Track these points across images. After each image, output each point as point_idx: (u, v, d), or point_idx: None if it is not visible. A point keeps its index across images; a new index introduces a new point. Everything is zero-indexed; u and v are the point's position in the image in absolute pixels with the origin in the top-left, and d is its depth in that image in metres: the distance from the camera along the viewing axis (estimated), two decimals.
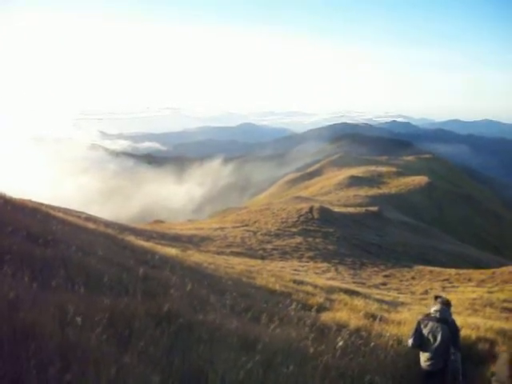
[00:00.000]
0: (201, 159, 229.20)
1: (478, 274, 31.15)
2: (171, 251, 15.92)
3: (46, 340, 4.26)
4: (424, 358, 6.77)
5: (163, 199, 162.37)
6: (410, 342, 6.97)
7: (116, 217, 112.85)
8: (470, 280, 29.46)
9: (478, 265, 41.10)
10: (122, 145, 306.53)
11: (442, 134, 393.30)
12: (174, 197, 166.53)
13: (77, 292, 5.69)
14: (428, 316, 6.96)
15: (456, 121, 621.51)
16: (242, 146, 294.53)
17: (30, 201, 16.16)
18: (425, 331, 6.79)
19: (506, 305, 18.92)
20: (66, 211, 21.74)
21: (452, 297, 15.44)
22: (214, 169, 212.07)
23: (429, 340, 6.74)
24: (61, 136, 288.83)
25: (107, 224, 20.57)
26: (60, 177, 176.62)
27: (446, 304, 7.18)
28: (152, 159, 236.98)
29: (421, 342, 6.81)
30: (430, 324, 6.78)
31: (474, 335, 9.51)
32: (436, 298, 7.36)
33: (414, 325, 7.10)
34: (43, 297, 5.16)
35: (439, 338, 6.64)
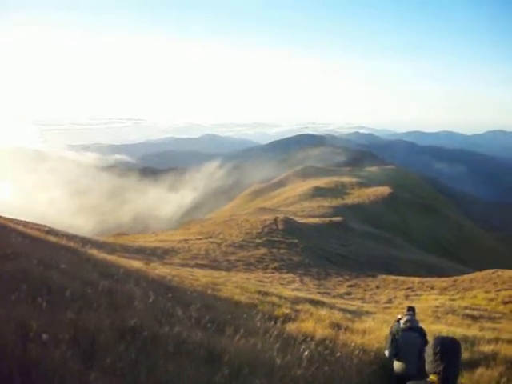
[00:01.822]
0: (175, 169, 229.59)
1: (440, 282, 31.69)
2: (135, 264, 15.73)
3: (7, 357, 4.15)
4: (400, 364, 7.01)
5: (148, 209, 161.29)
6: (387, 352, 7.29)
7: (101, 229, 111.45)
8: (432, 288, 29.94)
9: (440, 273, 41.80)
10: (90, 157, 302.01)
11: (403, 145, 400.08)
12: (157, 206, 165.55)
13: (38, 307, 5.56)
14: (400, 327, 7.22)
15: (417, 132, 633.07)
16: (205, 157, 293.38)
17: None
18: (400, 341, 7.03)
19: (467, 312, 19.27)
20: (25, 224, 21.30)
21: (415, 305, 15.64)
22: (195, 177, 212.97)
23: (404, 349, 6.95)
24: (25, 146, 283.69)
25: (69, 237, 20.18)
26: (33, 190, 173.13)
27: (413, 312, 7.46)
28: (143, 172, 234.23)
29: (397, 351, 7.07)
30: (404, 334, 7.05)
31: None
32: (409, 309, 7.61)
33: (389, 336, 7.33)
34: (3, 312, 5.03)
35: (414, 346, 6.95)
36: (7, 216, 21.77)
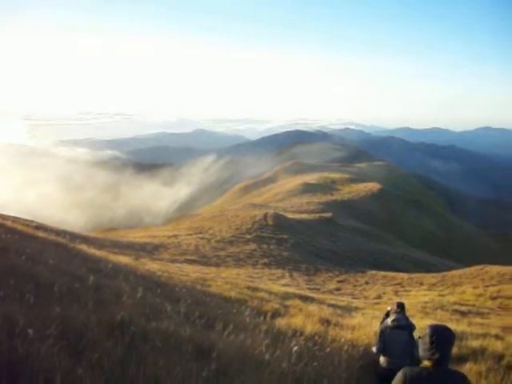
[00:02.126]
0: (168, 165, 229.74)
1: (429, 278, 31.87)
2: (124, 260, 15.69)
3: None
4: (385, 359, 7.19)
5: (142, 204, 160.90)
6: (375, 349, 7.37)
7: (94, 224, 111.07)
8: (421, 284, 30.12)
9: (429, 269, 42.06)
10: (80, 152, 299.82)
11: (393, 141, 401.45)
12: (151, 201, 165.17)
13: (26, 302, 5.52)
14: (388, 325, 7.30)
15: (406, 129, 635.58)
16: (196, 153, 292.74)
17: None
18: (387, 338, 7.12)
19: (456, 307, 19.42)
20: (14, 219, 21.16)
21: (404, 300, 15.69)
22: (189, 172, 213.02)
23: (390, 345, 7.13)
24: (15, 142, 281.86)
25: (58, 232, 20.08)
26: (23, 186, 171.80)
27: (399, 309, 7.51)
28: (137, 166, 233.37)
29: (384, 347, 7.20)
30: (391, 332, 7.13)
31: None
32: (398, 305, 7.68)
33: (378, 334, 7.41)
34: None
35: (400, 343, 7.09)
36: None
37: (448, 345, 4.08)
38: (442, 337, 4.07)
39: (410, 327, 7.36)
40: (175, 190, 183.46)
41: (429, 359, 4.04)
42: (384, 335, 7.30)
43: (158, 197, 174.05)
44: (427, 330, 4.15)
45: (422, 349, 4.12)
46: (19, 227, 14.85)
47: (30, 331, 4.51)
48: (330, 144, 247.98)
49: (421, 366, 4.14)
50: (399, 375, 4.12)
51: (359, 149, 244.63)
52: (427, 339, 4.07)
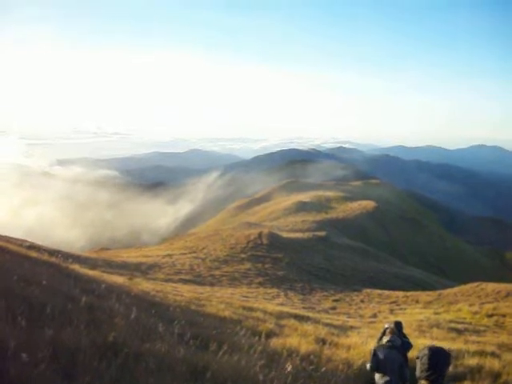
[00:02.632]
0: (165, 184, 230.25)
1: (424, 296, 31.80)
2: (118, 279, 15.58)
3: None
4: (380, 376, 7.18)
5: (141, 223, 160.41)
6: (369, 365, 7.38)
7: (93, 244, 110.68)
8: (417, 302, 30.03)
9: (424, 287, 41.98)
10: (76, 172, 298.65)
11: (387, 159, 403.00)
12: (151, 220, 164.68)
13: (18, 324, 5.45)
14: (382, 345, 7.34)
15: (401, 147, 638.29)
16: (191, 172, 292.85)
17: None
18: (381, 357, 7.14)
19: (452, 325, 19.32)
20: (7, 239, 21.03)
21: (400, 319, 15.63)
22: (190, 190, 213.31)
23: (384, 364, 7.07)
24: (12, 162, 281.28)
25: (51, 252, 19.96)
26: (21, 206, 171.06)
27: (397, 328, 7.51)
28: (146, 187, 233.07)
29: (378, 365, 7.19)
30: (385, 351, 7.14)
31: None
32: (396, 324, 7.71)
33: (372, 352, 7.43)
34: None
35: (394, 362, 7.08)
36: None
37: (445, 367, 4.27)
38: (439, 359, 4.23)
39: (406, 346, 7.36)
40: (176, 209, 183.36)
41: (426, 379, 4.21)
42: (377, 354, 7.30)
43: (158, 215, 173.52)
44: (425, 352, 4.30)
45: (420, 369, 4.27)
46: (11, 247, 14.75)
47: (22, 355, 4.46)
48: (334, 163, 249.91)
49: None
50: None
51: (357, 168, 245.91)
52: (425, 360, 4.22)
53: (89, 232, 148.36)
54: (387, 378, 7.04)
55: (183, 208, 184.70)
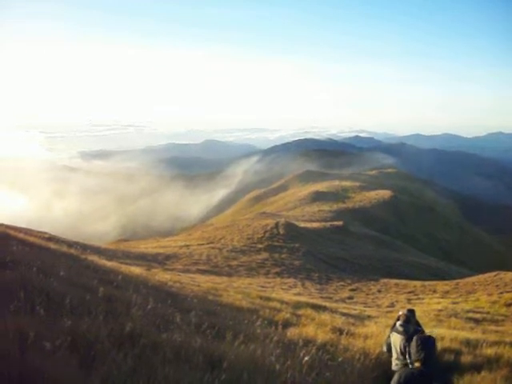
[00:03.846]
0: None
1: (442, 286, 31.61)
2: (135, 270, 15.71)
3: (6, 367, 4.12)
4: (392, 361, 7.33)
5: (171, 213, 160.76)
6: (384, 348, 7.80)
7: (125, 235, 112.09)
8: (434, 291, 29.84)
9: (442, 276, 41.72)
10: (97, 164, 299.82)
11: (404, 148, 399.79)
12: (180, 210, 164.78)
13: (37, 315, 5.54)
14: (395, 329, 7.44)
15: (417, 135, 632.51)
16: (208, 163, 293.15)
17: None
18: (391, 341, 7.26)
19: (470, 315, 19.19)
20: (27, 231, 21.27)
21: (418, 309, 15.55)
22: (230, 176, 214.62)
23: (394, 348, 7.18)
24: (35, 156, 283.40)
25: (70, 244, 20.17)
26: (50, 200, 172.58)
27: (409, 316, 7.57)
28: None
29: (389, 348, 7.53)
30: (394, 336, 7.23)
31: (439, 346, 9.60)
32: (408, 311, 7.79)
33: (387, 335, 7.66)
34: (1, 322, 5.00)
35: (399, 347, 7.20)
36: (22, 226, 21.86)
37: (430, 347, 5.49)
38: (424, 342, 5.51)
39: (412, 334, 7.44)
40: (210, 196, 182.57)
41: (417, 360, 5.44)
42: (390, 338, 7.50)
43: (191, 204, 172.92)
44: (415, 340, 5.61)
45: (413, 353, 5.53)
46: (31, 239, 14.93)
47: (43, 344, 4.53)
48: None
49: (413, 367, 5.55)
50: (395, 377, 5.45)
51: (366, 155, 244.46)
52: (414, 345, 5.53)
53: (123, 223, 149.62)
54: (396, 363, 7.19)
55: (217, 196, 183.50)
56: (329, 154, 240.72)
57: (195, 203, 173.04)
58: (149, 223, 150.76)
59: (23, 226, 22.93)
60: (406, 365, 7.03)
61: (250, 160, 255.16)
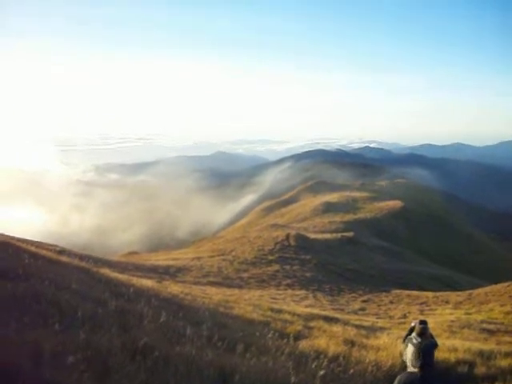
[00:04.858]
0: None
1: (454, 296, 31.40)
2: (147, 283, 15.73)
3: (20, 380, 4.14)
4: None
5: (196, 223, 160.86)
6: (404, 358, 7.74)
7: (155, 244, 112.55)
8: (447, 302, 29.66)
9: (454, 287, 41.44)
10: (111, 178, 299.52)
11: (414, 158, 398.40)
12: (207, 220, 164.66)
13: (50, 328, 5.57)
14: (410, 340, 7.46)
15: (428, 145, 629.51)
16: (218, 175, 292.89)
17: (1, 234, 15.90)
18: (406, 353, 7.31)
19: (483, 326, 19.04)
20: (38, 244, 21.39)
21: (430, 319, 15.46)
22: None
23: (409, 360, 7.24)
24: (46, 169, 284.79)
25: (82, 257, 20.25)
26: (70, 214, 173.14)
27: (424, 328, 7.52)
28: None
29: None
30: (409, 347, 7.25)
31: (452, 357, 9.54)
32: (421, 322, 7.73)
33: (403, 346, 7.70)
34: (16, 335, 5.03)
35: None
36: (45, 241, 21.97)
37: (429, 355, 5.97)
38: (424, 349, 5.96)
39: (431, 345, 7.38)
40: (236, 205, 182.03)
41: (415, 366, 5.87)
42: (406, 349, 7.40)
43: (214, 213, 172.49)
44: (415, 346, 6.08)
45: (412, 360, 5.95)
46: (43, 252, 15.01)
47: (57, 358, 4.56)
48: None
49: (412, 371, 5.92)
50: (396, 380, 5.89)
51: (376, 165, 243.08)
52: (414, 351, 5.99)
53: (145, 236, 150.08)
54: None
55: (245, 203, 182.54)
56: (362, 166, 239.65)
57: (221, 213, 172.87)
58: (172, 234, 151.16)
59: (42, 239, 23.05)
60: None
61: (275, 169, 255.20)
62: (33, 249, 14.69)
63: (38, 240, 25.76)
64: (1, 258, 8.96)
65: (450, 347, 10.46)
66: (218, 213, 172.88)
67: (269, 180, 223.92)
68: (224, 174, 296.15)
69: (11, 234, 19.60)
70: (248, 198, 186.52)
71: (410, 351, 7.24)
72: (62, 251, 23.03)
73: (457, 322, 19.75)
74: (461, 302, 29.43)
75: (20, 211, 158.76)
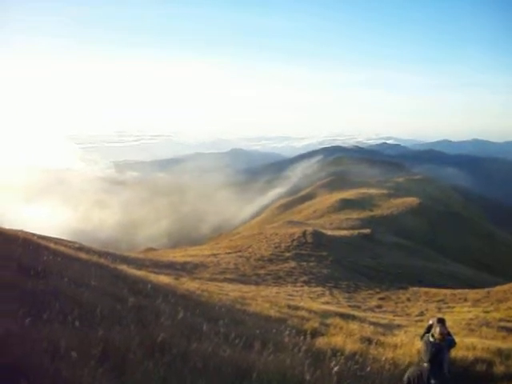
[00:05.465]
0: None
1: (473, 294, 31.13)
2: (164, 279, 15.81)
3: (38, 376, 4.19)
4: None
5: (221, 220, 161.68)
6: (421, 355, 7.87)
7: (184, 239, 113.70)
8: (465, 300, 29.43)
9: (472, 284, 41.08)
10: (131, 176, 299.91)
11: (432, 154, 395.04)
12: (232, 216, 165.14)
13: (69, 325, 5.62)
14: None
15: (445, 141, 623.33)
16: (236, 172, 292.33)
17: (22, 231, 16.05)
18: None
19: (502, 324, 18.86)
20: (57, 241, 21.59)
21: (448, 317, 15.36)
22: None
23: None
24: (68, 167, 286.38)
25: (100, 253, 20.41)
26: (96, 211, 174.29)
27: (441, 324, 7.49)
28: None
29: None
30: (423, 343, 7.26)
31: (470, 356, 9.48)
32: (438, 321, 7.66)
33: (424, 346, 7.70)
34: (35, 331, 5.09)
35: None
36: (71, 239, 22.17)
37: (438, 351, 6.16)
38: (432, 346, 6.24)
39: (450, 343, 7.29)
40: (262, 200, 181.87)
41: (425, 361, 6.15)
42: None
43: (238, 210, 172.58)
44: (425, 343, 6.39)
45: (423, 355, 6.27)
46: (62, 249, 15.14)
47: (74, 353, 4.60)
48: None
49: (423, 365, 6.20)
50: (405, 375, 6.28)
51: (393, 162, 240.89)
52: (424, 348, 6.31)
53: (171, 231, 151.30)
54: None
55: (272, 197, 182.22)
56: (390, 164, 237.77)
57: (245, 209, 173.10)
58: (195, 230, 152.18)
59: (67, 237, 23.26)
60: None
61: (301, 165, 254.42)
62: (52, 245, 14.83)
63: (62, 237, 25.98)
64: (21, 254, 9.05)
65: (469, 345, 10.38)
66: (241, 208, 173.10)
67: (297, 175, 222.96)
68: (250, 171, 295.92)
69: (32, 231, 19.81)
70: (275, 193, 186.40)
71: (423, 348, 7.21)
72: (80, 248, 23.24)
73: (475, 320, 19.61)
74: (479, 300, 29.18)
75: (44, 209, 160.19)
